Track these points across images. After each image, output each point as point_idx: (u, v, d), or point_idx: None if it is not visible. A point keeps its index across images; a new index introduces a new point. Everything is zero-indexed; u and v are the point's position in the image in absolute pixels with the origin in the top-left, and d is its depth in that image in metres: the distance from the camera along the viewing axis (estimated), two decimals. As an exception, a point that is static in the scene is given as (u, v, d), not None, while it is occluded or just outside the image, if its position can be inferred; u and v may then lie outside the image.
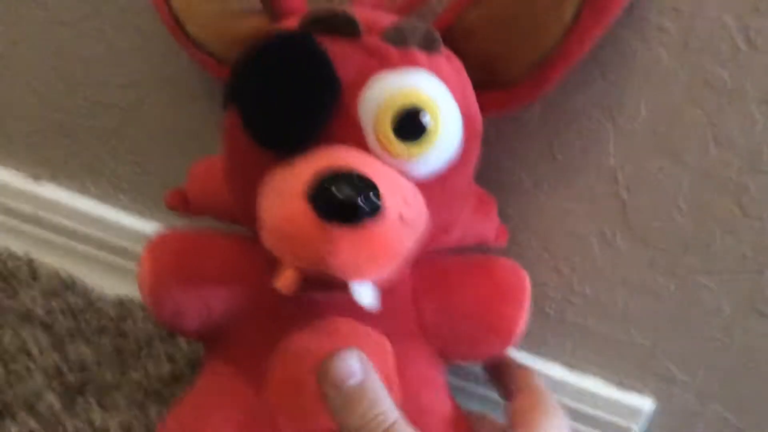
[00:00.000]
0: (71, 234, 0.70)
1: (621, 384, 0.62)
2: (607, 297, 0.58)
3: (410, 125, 0.40)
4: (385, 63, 0.40)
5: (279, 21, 0.45)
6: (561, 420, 0.48)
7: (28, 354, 0.60)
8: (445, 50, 0.43)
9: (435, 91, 0.41)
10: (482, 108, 0.45)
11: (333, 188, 0.36)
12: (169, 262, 0.49)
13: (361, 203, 0.36)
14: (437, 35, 0.42)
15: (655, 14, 0.46)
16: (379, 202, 0.37)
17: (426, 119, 0.40)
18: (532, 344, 0.62)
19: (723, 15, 0.45)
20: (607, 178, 0.53)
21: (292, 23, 0.42)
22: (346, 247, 0.37)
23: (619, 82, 0.49)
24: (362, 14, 0.42)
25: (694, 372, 0.59)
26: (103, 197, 0.70)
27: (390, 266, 0.40)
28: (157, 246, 0.50)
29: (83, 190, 0.70)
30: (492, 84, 0.45)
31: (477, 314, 0.50)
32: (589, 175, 0.53)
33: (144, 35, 0.59)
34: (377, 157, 0.40)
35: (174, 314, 0.48)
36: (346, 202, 0.36)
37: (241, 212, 0.45)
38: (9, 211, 0.71)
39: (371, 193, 0.37)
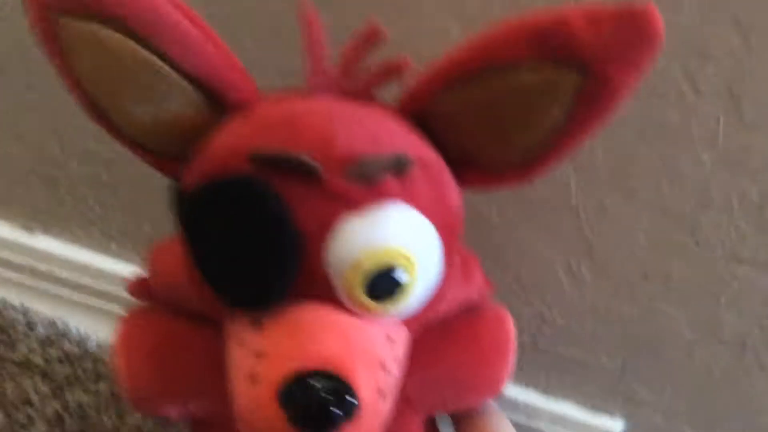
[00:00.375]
0: (65, 283, 0.72)
1: (593, 407, 0.66)
2: (577, 325, 0.62)
3: (383, 286, 0.37)
4: (350, 205, 0.36)
5: (225, 115, 0.40)
6: None
7: (30, 403, 0.62)
8: (420, 151, 0.39)
9: (408, 235, 0.37)
10: (463, 183, 0.42)
11: (305, 399, 0.35)
12: (143, 366, 0.45)
13: (335, 411, 0.35)
14: (407, 158, 0.38)
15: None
16: (355, 402, 0.36)
17: (401, 276, 0.37)
18: (509, 372, 0.66)
19: (670, 63, 0.49)
20: (570, 214, 0.57)
21: (242, 138, 0.38)
22: None
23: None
24: (318, 127, 0.37)
25: (661, 393, 0.63)
26: (94, 246, 0.72)
27: None
28: (129, 340, 0.46)
29: (75, 239, 0.73)
30: (474, 166, 0.42)
31: (462, 380, 0.48)
32: (553, 211, 0.57)
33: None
34: (349, 311, 0.38)
35: (154, 413, 0.47)
36: (321, 414, 0.35)
37: (208, 312, 0.42)
38: (4, 263, 0.73)
39: (348, 398, 0.35)
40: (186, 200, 0.37)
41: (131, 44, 0.36)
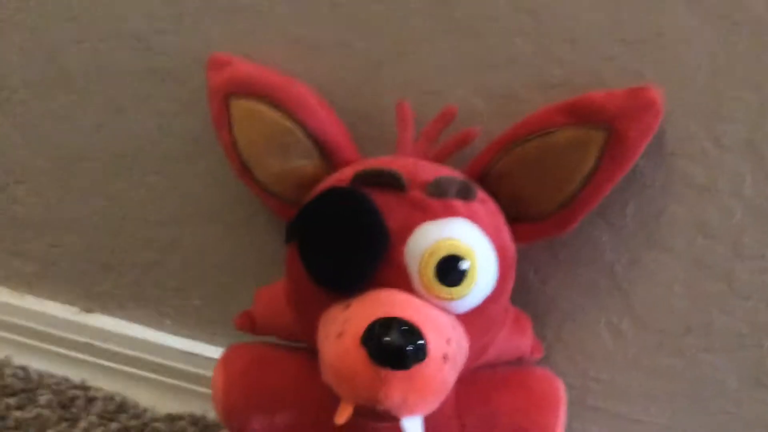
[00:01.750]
0: (123, 359, 0.75)
1: (646, 463, 0.65)
2: (623, 380, 0.62)
3: (451, 272, 0.45)
4: (427, 214, 0.46)
5: (333, 169, 0.52)
6: None
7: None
8: (481, 194, 0.49)
9: (472, 238, 0.46)
10: (515, 238, 0.51)
11: (385, 337, 0.41)
12: (238, 380, 0.55)
13: (409, 350, 0.41)
14: (472, 185, 0.48)
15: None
16: (425, 349, 0.42)
17: (465, 266, 0.45)
18: (557, 430, 0.66)
19: (689, 122, 0.51)
20: (606, 271, 0.58)
21: (347, 174, 0.49)
22: (397, 389, 0.41)
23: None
24: (405, 167, 0.48)
25: (714, 446, 0.63)
26: (149, 323, 0.75)
27: (437, 401, 0.45)
28: (229, 359, 0.56)
29: (131, 318, 0.76)
30: (523, 218, 0.51)
31: (515, 423, 0.54)
32: (589, 269, 0.58)
33: (181, 177, 0.66)
34: (422, 298, 0.46)
35: (242, 428, 0.55)
36: (397, 350, 0.41)
37: (302, 332, 0.51)
38: (64, 343, 0.76)
39: (418, 341, 0.42)
40: (304, 206, 0.48)
41: (277, 114, 0.52)
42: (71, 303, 0.77)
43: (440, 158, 0.53)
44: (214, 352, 0.72)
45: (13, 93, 0.67)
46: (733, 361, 0.58)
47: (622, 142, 0.47)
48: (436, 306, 0.46)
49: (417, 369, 0.41)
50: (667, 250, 0.56)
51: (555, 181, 0.50)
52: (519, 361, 0.58)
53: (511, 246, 0.50)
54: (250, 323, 0.58)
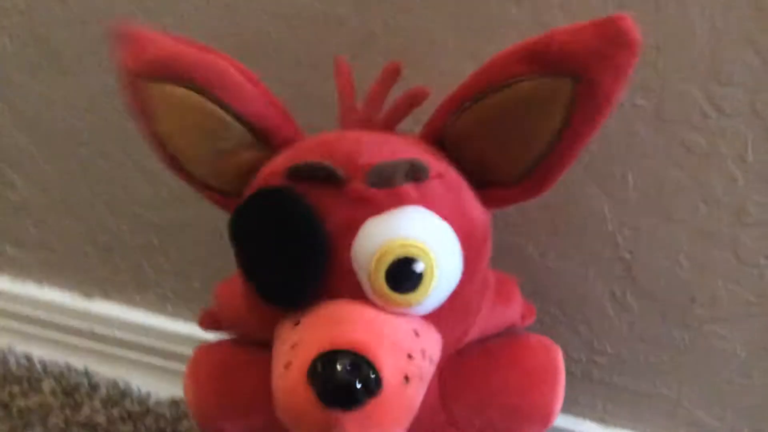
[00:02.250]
0: (124, 344, 0.75)
1: (654, 435, 0.64)
2: (629, 353, 0.61)
3: (403, 277, 0.40)
4: (371, 208, 0.40)
5: (273, 151, 0.45)
6: None
7: (95, 462, 0.65)
8: (438, 165, 0.43)
9: (425, 231, 0.40)
10: (486, 204, 0.45)
11: (330, 375, 0.37)
12: (207, 388, 0.51)
13: (358, 387, 0.37)
14: (423, 163, 0.41)
15: (628, 93, 0.50)
16: (378, 380, 0.37)
17: (419, 268, 0.40)
18: (563, 405, 0.65)
19: (690, 87, 0.50)
20: (608, 242, 0.57)
21: (279, 165, 0.43)
22: (352, 429, 0.37)
23: (603, 155, 0.53)
24: (346, 149, 0.42)
25: (722, 415, 0.62)
26: (150, 308, 0.75)
27: (404, 425, 0.40)
28: (196, 367, 0.52)
29: (132, 303, 0.75)
30: (491, 183, 0.45)
31: (508, 404, 0.49)
32: (591, 241, 0.57)
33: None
34: (377, 307, 0.41)
35: (215, 428, 0.52)
36: (345, 388, 0.37)
37: (263, 336, 0.46)
38: (66, 329, 0.76)
39: (369, 374, 0.37)
40: (233, 214, 0.42)
41: (200, 98, 0.44)
42: (71, 289, 0.77)
43: (390, 123, 0.49)
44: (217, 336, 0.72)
45: (5, 76, 0.66)
46: (741, 331, 0.57)
47: (593, 91, 0.39)
48: (394, 313, 0.41)
49: (372, 404, 0.37)
50: (670, 219, 0.54)
51: (519, 141, 0.42)
52: (510, 330, 0.52)
53: (480, 218, 0.44)
54: (213, 322, 0.55)
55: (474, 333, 0.48)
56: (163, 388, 0.74)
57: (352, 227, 0.40)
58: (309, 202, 0.40)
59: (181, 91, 0.44)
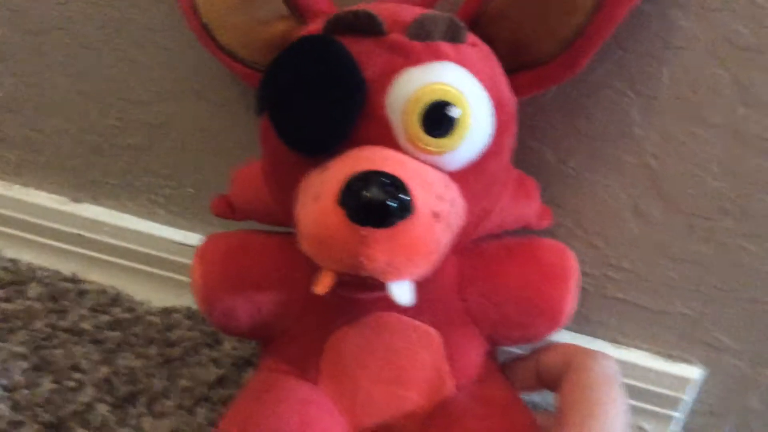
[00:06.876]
0: (114, 250, 0.72)
1: (669, 356, 0.61)
2: (647, 269, 0.57)
3: (438, 120, 0.40)
4: (409, 59, 0.40)
5: (306, 23, 0.46)
6: (607, 417, 0.43)
7: (79, 369, 0.62)
8: (472, 38, 0.43)
9: (462, 83, 0.40)
10: (514, 90, 0.45)
11: (363, 191, 0.36)
12: (217, 267, 0.50)
13: (391, 204, 0.37)
14: (461, 24, 0.42)
15: (667, -23, 0.45)
16: (410, 204, 0.37)
17: (454, 112, 0.40)
18: (575, 322, 0.61)
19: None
20: (633, 148, 0.52)
21: (317, 26, 0.43)
22: (380, 250, 0.37)
23: (637, 50, 0.48)
24: (385, 10, 0.42)
25: (745, 338, 0.58)
26: (141, 212, 0.71)
27: (427, 264, 0.40)
28: (206, 250, 0.52)
29: (122, 207, 0.72)
30: (522, 66, 0.45)
31: (523, 297, 0.49)
32: (615, 146, 0.52)
33: (167, 51, 0.60)
34: (408, 154, 0.40)
35: (225, 316, 0.50)
36: (378, 205, 0.36)
37: (282, 213, 0.46)
38: (53, 234, 0.73)
39: (401, 193, 0.37)
40: (266, 68, 0.42)
41: None
42: (59, 192, 0.73)
43: (429, 2, 0.47)
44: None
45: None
46: (773, 248, 0.53)
47: None
48: (426, 162, 0.41)
49: (402, 226, 0.37)
50: (704, 122, 0.49)
51: (557, 14, 0.43)
52: (525, 230, 0.53)
53: (509, 99, 0.44)
54: (228, 207, 0.53)
55: (494, 221, 0.49)
56: (154, 296, 0.71)
57: (389, 75, 0.40)
58: (344, 46, 0.40)
59: None
